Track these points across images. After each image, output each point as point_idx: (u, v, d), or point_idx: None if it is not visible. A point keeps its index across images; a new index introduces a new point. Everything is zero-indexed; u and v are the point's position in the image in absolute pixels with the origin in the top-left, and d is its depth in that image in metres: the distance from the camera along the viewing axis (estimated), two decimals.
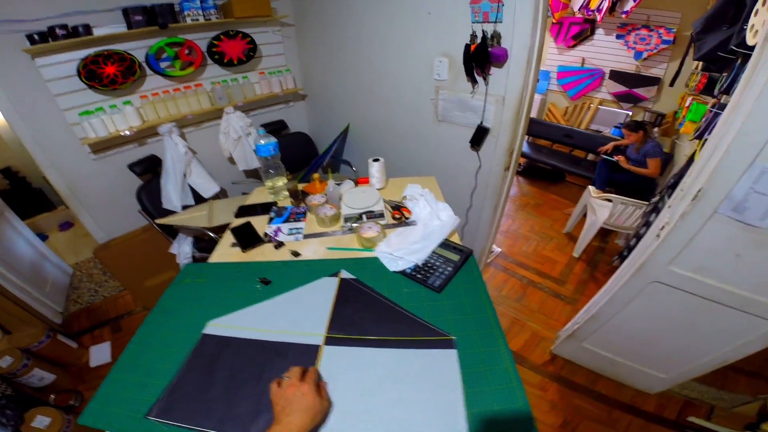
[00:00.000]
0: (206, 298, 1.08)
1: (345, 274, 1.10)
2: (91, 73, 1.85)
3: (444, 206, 1.30)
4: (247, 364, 0.85)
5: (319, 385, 0.70)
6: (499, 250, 2.82)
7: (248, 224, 1.39)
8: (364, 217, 1.32)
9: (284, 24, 2.52)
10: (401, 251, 1.12)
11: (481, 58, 1.54)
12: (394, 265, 1.10)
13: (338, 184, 1.55)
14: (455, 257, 1.09)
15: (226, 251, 1.28)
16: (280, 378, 0.68)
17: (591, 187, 2.66)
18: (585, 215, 2.77)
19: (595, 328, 1.61)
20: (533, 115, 4.05)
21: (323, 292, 1.05)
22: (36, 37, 1.67)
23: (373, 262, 1.14)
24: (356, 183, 1.57)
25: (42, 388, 1.88)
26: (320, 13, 2.29)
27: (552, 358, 1.95)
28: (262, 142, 1.45)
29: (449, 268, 1.05)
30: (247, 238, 1.31)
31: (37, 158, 1.96)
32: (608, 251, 2.80)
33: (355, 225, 1.30)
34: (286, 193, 1.53)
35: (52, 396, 1.83)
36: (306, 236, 1.30)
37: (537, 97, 4.16)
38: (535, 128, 3.96)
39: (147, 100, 2.10)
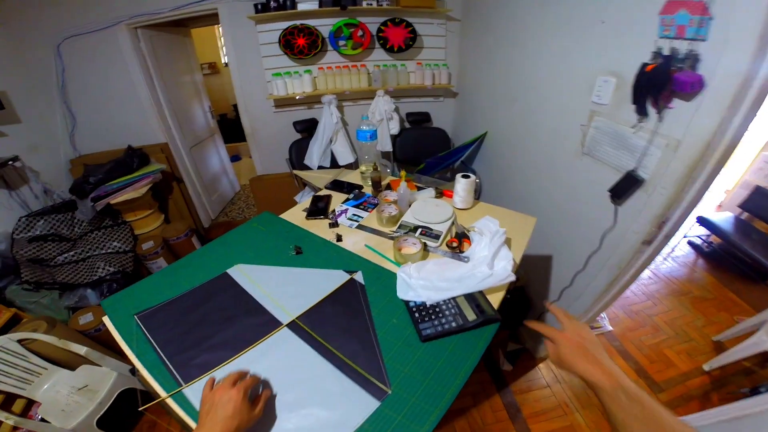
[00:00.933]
0: (254, 244, 1.25)
1: (358, 277, 1.07)
2: (288, 43, 2.30)
3: (506, 255, 1.07)
4: (227, 308, 0.97)
5: (259, 396, 0.69)
6: (610, 328, 2.18)
7: (329, 197, 1.50)
8: (419, 230, 1.23)
9: (450, 18, 2.50)
10: (422, 281, 0.99)
11: (660, 83, 1.13)
12: (403, 290, 1.00)
13: (421, 189, 1.49)
14: (472, 317, 0.89)
15: (297, 213, 1.43)
16: (214, 379, 0.70)
17: None
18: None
19: None
20: (759, 181, 2.79)
21: (328, 283, 1.05)
22: (258, 6, 2.18)
23: (390, 276, 1.06)
24: (440, 194, 1.46)
25: None
26: (484, 11, 2.14)
27: None
28: (364, 128, 1.50)
29: (454, 324, 0.87)
30: (317, 208, 1.42)
31: (239, 101, 2.61)
32: (753, 379, 1.89)
33: (399, 234, 1.22)
34: (369, 182, 1.56)
35: None
36: (360, 226, 1.31)
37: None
38: (757, 202, 2.71)
39: (322, 72, 2.48)
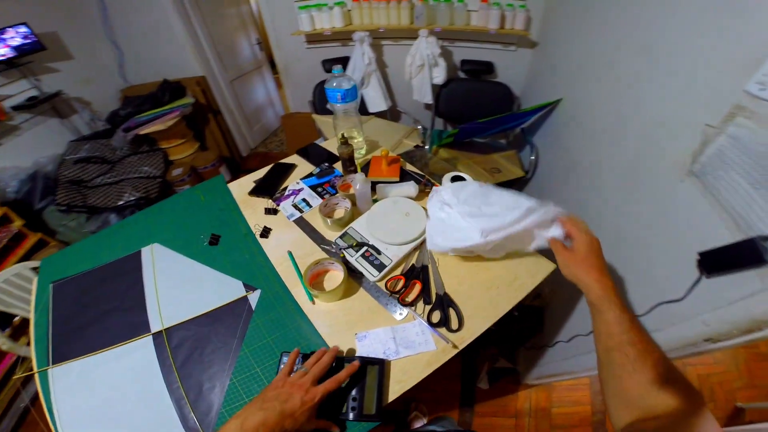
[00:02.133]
0: (182, 219, 1.08)
1: (253, 297, 0.82)
2: None
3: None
4: (118, 296, 0.89)
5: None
6: None
7: (291, 167, 1.21)
8: (363, 249, 0.88)
9: None
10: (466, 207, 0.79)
11: None
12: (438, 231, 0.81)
13: (406, 179, 1.08)
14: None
15: (246, 183, 1.18)
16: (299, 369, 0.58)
17: None
18: None
19: None
20: None
21: (220, 294, 0.84)
22: None
23: (290, 311, 0.79)
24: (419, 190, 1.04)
25: None
26: None
27: None
28: (333, 84, 1.11)
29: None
30: (267, 183, 1.16)
31: (269, 35, 2.33)
32: None
33: (336, 247, 0.90)
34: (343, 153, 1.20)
35: None
36: (299, 221, 1.02)
37: None
38: None
39: (357, 4, 2.03)
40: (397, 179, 1.09)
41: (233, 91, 2.93)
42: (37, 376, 0.75)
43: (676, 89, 0.94)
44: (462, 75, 2.23)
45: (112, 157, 2.39)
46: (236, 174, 3.00)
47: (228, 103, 2.90)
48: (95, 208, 2.23)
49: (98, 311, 0.87)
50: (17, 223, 1.93)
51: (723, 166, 0.77)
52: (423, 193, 1.03)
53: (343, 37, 2.22)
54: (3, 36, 1.97)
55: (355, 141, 1.19)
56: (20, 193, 2.13)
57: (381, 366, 0.64)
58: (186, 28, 2.45)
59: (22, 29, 2.04)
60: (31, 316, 0.89)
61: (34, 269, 1.64)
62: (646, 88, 1.08)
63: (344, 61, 2.24)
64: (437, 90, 2.19)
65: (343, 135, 1.11)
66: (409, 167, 1.16)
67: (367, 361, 0.65)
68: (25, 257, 1.86)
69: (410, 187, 1.03)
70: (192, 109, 2.47)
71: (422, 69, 2.08)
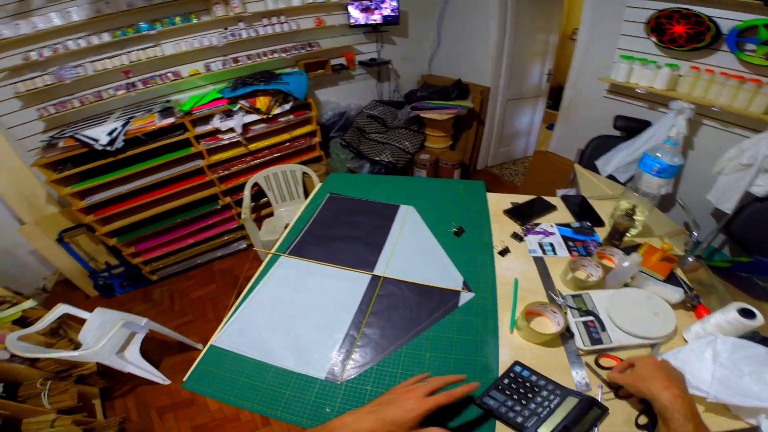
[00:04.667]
0: (440, 200, 1.33)
1: (464, 297, 0.95)
2: (658, 27, 1.79)
3: None
4: (367, 230, 1.19)
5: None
6: None
7: (551, 207, 1.27)
8: (588, 318, 0.87)
9: None
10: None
11: None
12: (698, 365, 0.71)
13: (670, 281, 0.98)
14: (573, 400, 0.67)
15: (503, 201, 1.32)
16: (428, 376, 0.65)
17: None
18: None
19: None
20: None
21: (439, 276, 1.01)
22: None
23: (486, 327, 0.88)
24: (692, 306, 0.92)
25: None
26: None
27: None
28: (658, 155, 1.07)
29: (518, 420, 0.66)
30: (522, 211, 1.26)
31: (571, 71, 2.39)
32: None
33: (562, 302, 0.92)
34: (614, 222, 1.16)
35: None
36: (538, 260, 1.07)
37: None
38: None
39: (696, 72, 1.80)
40: (663, 278, 0.99)
41: (504, 110, 3.17)
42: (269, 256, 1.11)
43: None
44: None
45: (390, 124, 3.04)
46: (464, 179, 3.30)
47: (495, 118, 3.16)
48: (360, 153, 2.92)
49: (349, 233, 1.17)
50: (317, 139, 2.73)
51: None
52: (680, 304, 0.92)
53: (658, 100, 2.03)
54: (383, 5, 2.71)
55: (637, 220, 1.13)
56: (328, 121, 2.99)
57: (602, 413, 0.66)
58: (498, 41, 2.76)
59: (393, 3, 2.74)
60: (301, 207, 1.31)
61: (305, 174, 2.34)
62: None
63: (641, 124, 2.06)
64: (745, 201, 1.75)
65: (633, 208, 1.08)
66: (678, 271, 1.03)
67: (594, 402, 0.67)
68: (305, 163, 2.59)
69: (675, 293, 0.92)
70: (466, 112, 2.83)
71: (744, 170, 1.69)
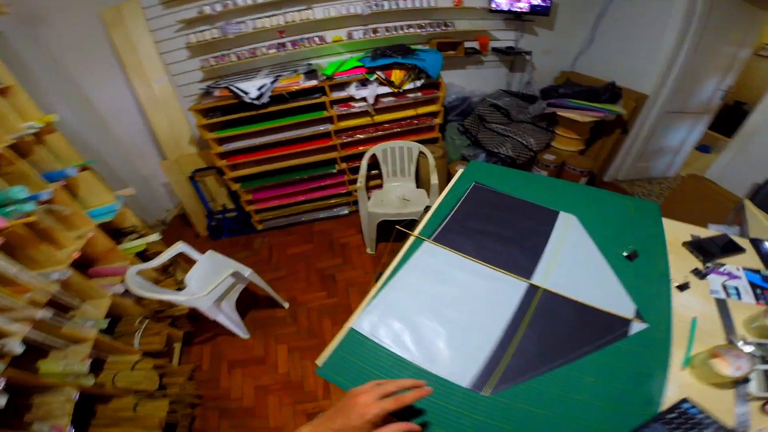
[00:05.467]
0: (606, 216, 1.22)
1: (636, 326, 0.88)
2: None
3: None
4: (523, 233, 1.14)
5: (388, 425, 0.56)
6: None
7: (736, 249, 1.11)
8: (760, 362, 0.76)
9: None
10: None
11: None
12: None
13: None
14: None
15: (681, 228, 1.19)
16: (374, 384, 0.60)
17: None
18: None
19: None
20: None
21: (605, 299, 0.94)
22: None
23: (658, 356, 0.81)
24: None
25: None
26: None
27: None
28: None
29: None
30: (708, 246, 1.10)
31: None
32: None
33: (743, 345, 0.81)
34: None
35: None
36: (720, 302, 0.95)
37: None
38: None
39: None
40: None
41: (657, 123, 2.80)
42: (411, 239, 1.09)
43: None
44: None
45: (514, 116, 2.88)
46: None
47: (643, 129, 2.81)
48: (478, 142, 2.84)
49: (498, 231, 1.12)
50: (438, 120, 2.71)
51: None
52: None
53: None
54: None
55: None
56: (449, 104, 2.94)
57: None
58: (673, 48, 2.42)
59: None
60: (443, 194, 1.29)
61: (421, 153, 2.37)
62: None
63: None
64: None
65: None
66: None
67: None
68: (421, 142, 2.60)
69: None
70: (614, 118, 2.55)
71: None
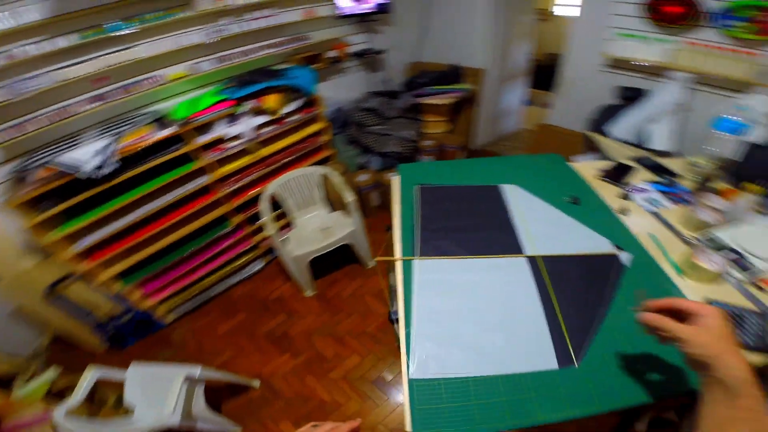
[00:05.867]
0: (534, 175, 1.39)
1: (623, 257, 1.04)
2: (654, 7, 2.10)
3: None
4: (484, 215, 1.20)
5: None
6: None
7: (631, 169, 1.41)
8: (725, 252, 1.01)
9: None
10: None
11: None
12: None
13: (762, 214, 1.16)
14: None
15: (589, 168, 1.45)
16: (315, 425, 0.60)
17: None
18: None
19: None
20: None
21: (587, 244, 1.08)
22: None
23: (658, 275, 0.99)
24: None
25: None
26: None
27: None
28: (731, 117, 1.27)
29: (749, 342, 0.80)
30: (616, 174, 1.37)
31: (570, 51, 2.62)
32: None
33: (702, 244, 1.03)
34: (698, 177, 1.32)
35: None
36: (653, 213, 1.19)
37: None
38: None
39: (691, 47, 2.10)
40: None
41: (497, 90, 3.36)
42: (399, 263, 1.02)
43: None
44: None
45: (386, 114, 3.03)
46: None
47: (488, 99, 3.33)
48: (367, 148, 2.88)
49: (466, 222, 1.16)
50: (326, 138, 2.63)
51: None
52: None
53: (654, 72, 2.30)
54: None
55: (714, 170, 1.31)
56: (329, 117, 2.88)
57: None
58: (489, 24, 2.93)
59: None
60: (396, 207, 1.25)
61: (323, 175, 2.26)
62: None
63: (639, 93, 2.32)
64: (747, 148, 2.07)
65: (712, 161, 1.25)
66: None
67: None
68: (316, 165, 2.52)
69: None
70: (466, 95, 2.92)
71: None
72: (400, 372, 0.80)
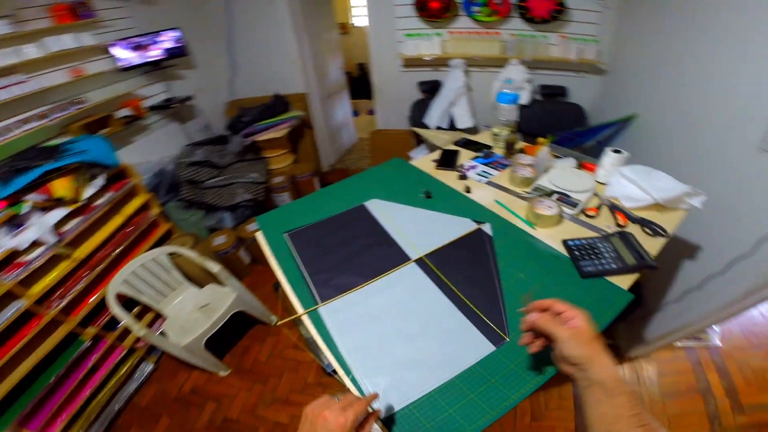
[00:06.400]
0: (387, 184, 1.44)
1: (486, 228, 1.16)
2: (421, 5, 2.45)
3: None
4: (363, 236, 1.16)
5: (365, 422, 0.60)
6: (718, 343, 1.99)
7: (455, 152, 1.61)
8: (554, 196, 1.26)
9: None
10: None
11: None
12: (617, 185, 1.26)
13: (558, 158, 1.51)
14: (631, 261, 0.96)
15: (426, 162, 1.58)
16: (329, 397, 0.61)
17: None
18: None
19: None
20: None
21: (456, 228, 1.17)
22: None
23: (519, 233, 1.14)
24: (580, 166, 1.46)
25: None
26: None
27: None
28: (506, 91, 1.57)
29: (613, 266, 0.95)
30: (447, 160, 1.55)
31: (373, 59, 2.86)
32: None
33: (534, 195, 1.27)
34: (504, 143, 1.62)
35: None
36: (489, 183, 1.40)
37: None
38: None
39: (453, 36, 2.56)
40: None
41: (324, 110, 3.43)
42: (305, 317, 0.92)
43: (743, 95, 1.39)
44: (539, 98, 2.72)
45: (220, 163, 2.77)
46: (324, 185, 3.44)
47: (320, 120, 3.38)
48: (212, 206, 2.59)
49: (348, 251, 1.11)
50: (155, 211, 2.26)
51: None
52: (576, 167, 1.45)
53: (439, 63, 2.73)
54: (159, 38, 2.42)
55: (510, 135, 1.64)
56: (149, 186, 2.48)
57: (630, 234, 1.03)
58: (299, 47, 2.97)
59: (175, 34, 2.49)
60: (273, 263, 1.10)
61: (171, 254, 1.99)
62: (718, 97, 1.53)
63: (436, 84, 2.73)
64: (520, 109, 2.66)
65: (512, 127, 1.55)
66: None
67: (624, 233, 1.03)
68: (156, 245, 2.16)
69: (571, 161, 1.46)
70: (300, 121, 2.92)
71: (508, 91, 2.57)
72: None
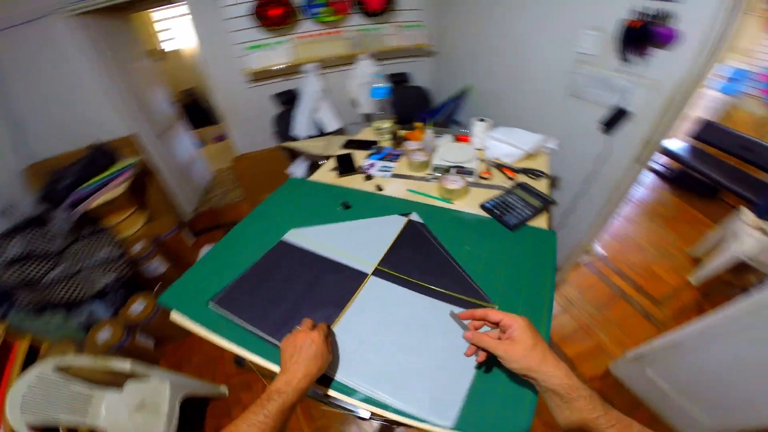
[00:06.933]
0: (295, 209, 1.31)
1: (415, 217, 1.20)
2: (261, 15, 2.30)
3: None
4: (304, 273, 1.02)
5: (327, 339, 0.71)
6: (603, 253, 2.59)
7: (350, 155, 1.60)
8: (453, 170, 1.38)
9: None
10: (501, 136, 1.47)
11: (642, 37, 1.37)
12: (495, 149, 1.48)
13: (438, 137, 1.64)
14: (538, 203, 1.16)
15: (325, 174, 1.52)
16: (294, 329, 0.72)
17: (748, 212, 2.12)
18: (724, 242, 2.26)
19: (668, 357, 1.51)
20: (709, 117, 3.34)
21: (389, 228, 1.17)
22: None
23: (444, 212, 1.22)
24: (455, 139, 1.63)
25: (153, 279, 2.31)
26: None
27: (604, 374, 1.85)
28: (378, 85, 1.63)
29: (528, 212, 1.13)
30: (346, 165, 1.52)
31: (211, 82, 2.56)
32: (736, 288, 2.27)
33: (439, 174, 1.37)
34: (389, 135, 1.68)
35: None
36: (394, 175, 1.44)
37: (719, 97, 3.38)
38: (707, 133, 3.28)
39: (300, 41, 2.50)
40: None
41: (164, 149, 2.91)
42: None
43: (545, 58, 1.85)
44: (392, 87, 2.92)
45: (51, 249, 2.10)
46: (198, 235, 3.00)
47: (162, 162, 2.85)
48: (71, 303, 1.98)
49: (296, 293, 0.95)
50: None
51: (583, 87, 1.70)
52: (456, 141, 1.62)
53: (291, 71, 2.62)
54: None
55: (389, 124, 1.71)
56: None
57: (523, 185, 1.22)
58: (107, 83, 2.42)
59: None
60: (214, 338, 0.88)
61: (58, 368, 1.45)
62: (527, 62, 2.00)
63: (293, 93, 2.63)
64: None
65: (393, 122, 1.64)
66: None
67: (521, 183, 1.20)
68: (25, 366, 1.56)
69: (449, 137, 1.62)
70: (138, 169, 2.42)
71: (365, 86, 2.66)
72: None
